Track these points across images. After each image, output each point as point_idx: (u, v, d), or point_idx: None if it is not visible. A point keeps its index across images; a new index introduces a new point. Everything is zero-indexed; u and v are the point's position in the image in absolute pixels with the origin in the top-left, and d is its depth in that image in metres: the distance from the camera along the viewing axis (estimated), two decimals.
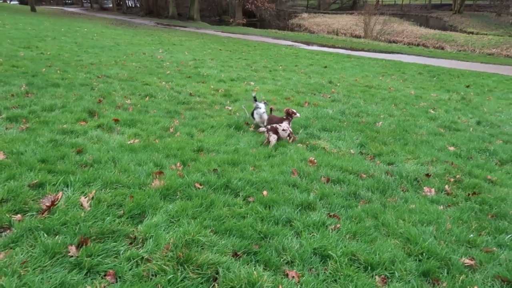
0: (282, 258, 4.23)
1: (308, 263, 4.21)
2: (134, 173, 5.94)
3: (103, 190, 5.32)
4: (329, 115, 10.65)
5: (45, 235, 4.18)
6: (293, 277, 3.95)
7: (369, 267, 4.19)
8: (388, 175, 6.79)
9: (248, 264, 4.05)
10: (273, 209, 5.22)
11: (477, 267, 4.38)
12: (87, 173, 5.74)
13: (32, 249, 3.98)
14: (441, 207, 5.84)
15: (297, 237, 4.64)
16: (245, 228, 4.66)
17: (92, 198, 5.02)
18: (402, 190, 6.34)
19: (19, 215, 4.53)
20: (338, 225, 5.00)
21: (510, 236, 5.00)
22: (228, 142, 8.10)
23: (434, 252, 4.47)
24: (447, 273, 4.22)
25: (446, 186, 6.53)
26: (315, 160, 7.16)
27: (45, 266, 3.74)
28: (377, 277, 4.07)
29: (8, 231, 4.27)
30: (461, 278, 4.11)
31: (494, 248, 4.76)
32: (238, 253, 4.24)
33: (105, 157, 6.47)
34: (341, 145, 8.42)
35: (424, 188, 6.43)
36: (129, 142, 7.45)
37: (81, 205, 4.85)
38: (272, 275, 3.93)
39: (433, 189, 6.38)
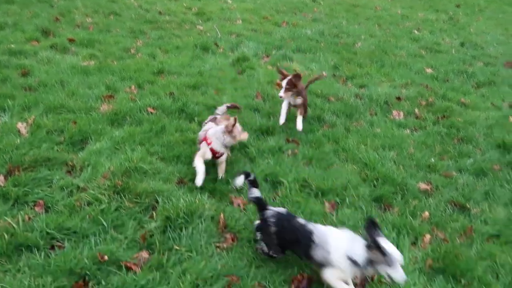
0: (229, 185, 4.01)
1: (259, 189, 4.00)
2: (82, 97, 5.49)
3: (45, 115, 4.91)
4: (306, 36, 9.97)
5: None
6: (238, 204, 3.77)
7: (320, 193, 4.01)
8: (357, 98, 6.44)
9: (192, 192, 3.83)
10: None
11: (432, 192, 4.25)
12: (28, 97, 5.27)
13: None
14: (408, 131, 5.61)
15: (250, 163, 4.40)
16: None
17: (32, 123, 4.63)
18: (370, 114, 6.05)
19: None
20: (296, 151, 4.75)
21: (472, 161, 4.84)
22: (192, 64, 7.54)
23: (390, 178, 4.30)
24: (401, 198, 4.09)
25: (416, 110, 6.24)
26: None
27: None
28: (327, 203, 3.91)
29: None
30: (414, 204, 3.98)
31: (454, 173, 4.61)
32: (184, 180, 4.00)
33: (53, 79, 5.94)
34: (314, 67, 7.94)
35: (393, 111, 6.14)
36: (83, 64, 6.86)
37: (19, 131, 4.48)
38: (216, 203, 3.73)
39: (402, 113, 6.10)
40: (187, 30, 9.85)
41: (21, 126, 4.56)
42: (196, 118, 5.26)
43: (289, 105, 5.24)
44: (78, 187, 3.72)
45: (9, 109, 4.93)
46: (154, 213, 3.48)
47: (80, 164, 4.04)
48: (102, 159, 4.14)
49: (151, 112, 5.27)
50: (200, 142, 4.07)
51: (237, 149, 4.69)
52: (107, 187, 3.70)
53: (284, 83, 4.96)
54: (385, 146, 5.03)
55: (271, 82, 6.83)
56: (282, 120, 5.12)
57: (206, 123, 4.35)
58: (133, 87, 6.08)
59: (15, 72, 6.08)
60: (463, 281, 3.11)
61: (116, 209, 3.46)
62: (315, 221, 3.55)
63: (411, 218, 3.78)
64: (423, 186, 4.29)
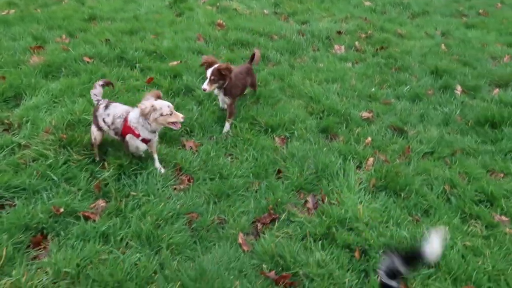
0: (181, 129, 3.98)
1: (209, 131, 4.04)
2: (7, 50, 5.03)
3: None
4: None
5: None
6: (190, 147, 3.79)
7: (270, 130, 4.12)
8: (300, 34, 6.45)
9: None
10: (173, 80, 4.79)
11: (374, 119, 4.51)
12: None
13: None
14: (349, 64, 5.78)
15: (197, 107, 4.37)
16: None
17: None
18: (313, 50, 6.12)
19: None
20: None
21: (408, 88, 5.14)
22: (126, 8, 7.09)
23: (334, 109, 4.48)
24: (346, 127, 4.31)
25: (357, 43, 6.41)
26: (224, 23, 6.56)
27: None
28: (276, 138, 4.04)
29: None
30: (357, 131, 4.22)
31: (392, 100, 4.90)
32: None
33: None
34: (254, 5, 7.76)
35: (335, 46, 6.26)
36: (1, 14, 6.21)
37: None
38: (168, 147, 3.72)
39: (343, 47, 6.24)
40: None
41: None
42: (137, 65, 5.05)
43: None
44: (20, 144, 3.53)
45: None
46: (106, 163, 3.41)
47: (18, 121, 3.81)
48: (41, 114, 3.92)
49: (88, 62, 4.97)
50: (122, 134, 3.28)
51: (183, 92, 4.62)
52: (51, 142, 3.55)
53: (208, 72, 3.82)
54: (328, 80, 5.18)
55: (212, 23, 6.63)
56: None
57: (98, 106, 3.37)
58: (63, 36, 5.66)
59: None
60: (402, 195, 3.43)
61: (64, 163, 3.35)
62: (267, 156, 3.70)
63: (355, 144, 4.02)
64: (365, 114, 4.53)
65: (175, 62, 5.15)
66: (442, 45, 6.50)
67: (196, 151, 3.75)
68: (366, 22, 7.28)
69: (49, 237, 2.76)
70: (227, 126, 4.05)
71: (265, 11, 7.59)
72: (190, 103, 4.41)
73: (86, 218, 2.90)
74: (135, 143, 3.29)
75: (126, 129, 3.26)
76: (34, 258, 2.63)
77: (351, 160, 3.76)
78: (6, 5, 6.57)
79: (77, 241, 2.72)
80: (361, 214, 3.10)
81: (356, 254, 2.84)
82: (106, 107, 3.36)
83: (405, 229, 3.07)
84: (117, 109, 3.34)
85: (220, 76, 3.83)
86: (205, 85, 3.80)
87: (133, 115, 3.23)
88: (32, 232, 2.75)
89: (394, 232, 3.00)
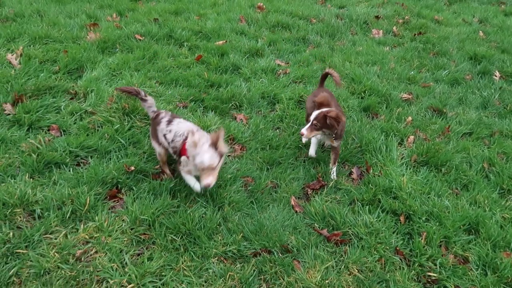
0: (231, 103, 4.25)
1: (256, 107, 4.28)
2: (65, 27, 5.37)
3: (31, 46, 4.83)
4: None
5: None
6: (241, 119, 4.05)
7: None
8: (338, 18, 6.59)
9: (196, 111, 4.06)
10: (221, 58, 5.05)
11: (413, 100, 4.67)
12: (9, 28, 5.10)
13: None
14: (387, 48, 5.91)
15: (245, 83, 4.62)
16: (191, 78, 4.53)
17: (21, 54, 4.57)
18: (351, 33, 6.27)
19: None
20: (288, 70, 4.99)
21: (447, 72, 5.26)
22: None
23: (375, 90, 4.66)
24: (386, 107, 4.48)
25: (394, 28, 6.51)
26: (264, 6, 6.75)
27: None
28: None
29: None
30: (398, 111, 4.39)
31: (431, 83, 5.03)
32: (185, 102, 4.20)
33: (29, 10, 5.72)
34: None
35: (373, 30, 6.38)
36: None
37: (10, 62, 4.43)
38: (220, 120, 3.99)
39: (381, 31, 6.35)
40: None
41: (11, 58, 4.49)
42: (186, 43, 5.32)
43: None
44: (86, 111, 3.86)
45: None
46: None
47: (83, 91, 4.13)
48: (102, 85, 4.23)
49: (139, 39, 5.26)
50: (180, 154, 2.95)
51: (230, 70, 4.86)
52: (115, 110, 3.86)
53: (313, 116, 3.20)
54: (368, 63, 5.34)
55: (252, 6, 6.83)
56: (312, 152, 3.55)
57: (160, 120, 3.09)
58: (114, 15, 5.96)
59: None
60: (443, 170, 3.62)
61: (129, 129, 3.66)
62: None
63: (396, 123, 4.21)
64: (405, 96, 4.69)
65: (221, 42, 5.39)
66: (480, 32, 6.54)
67: (246, 123, 4.01)
68: (403, 8, 7.35)
69: (123, 191, 3.07)
70: (334, 172, 3.42)
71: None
72: (238, 79, 4.65)
73: (154, 177, 3.20)
74: (186, 168, 2.91)
75: (184, 151, 2.88)
76: (111, 208, 2.95)
77: (393, 137, 3.95)
78: None
79: (148, 195, 3.02)
80: (404, 184, 3.31)
81: (401, 218, 3.06)
82: (169, 122, 3.07)
83: (446, 200, 3.27)
84: (181, 126, 3.02)
85: (325, 124, 3.13)
86: (304, 130, 3.17)
87: (191, 139, 2.72)
88: (108, 186, 3.07)
89: (436, 202, 3.20)
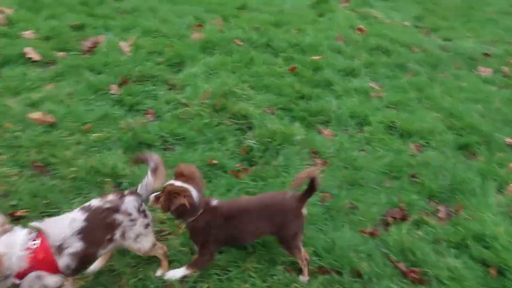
0: (318, 117, 4.19)
1: (344, 125, 4.17)
2: (173, 24, 5.75)
3: (142, 37, 5.23)
4: None
5: (89, 72, 4.27)
6: (326, 135, 3.96)
7: (406, 135, 4.11)
8: (442, 50, 6.25)
9: (282, 119, 4.06)
10: (314, 72, 5.03)
11: None
12: (126, 19, 5.60)
13: (77, 84, 4.11)
14: (495, 88, 5.45)
15: (336, 100, 4.53)
16: (283, 87, 4.56)
17: (132, 44, 4.97)
18: (455, 67, 5.89)
19: (62, 53, 4.60)
20: (381, 94, 4.82)
21: None
22: (272, 2, 7.55)
23: (476, 128, 4.30)
24: (486, 149, 4.10)
25: (504, 68, 5.99)
26: (365, 28, 6.63)
27: (90, 99, 3.90)
28: (411, 144, 4.01)
29: (53, 66, 4.39)
30: (499, 155, 3.99)
31: None
32: (274, 108, 4.23)
33: (144, 5, 6.23)
34: (395, 16, 7.69)
35: (480, 67, 5.94)
36: None
37: (121, 49, 4.83)
38: (305, 131, 3.94)
39: (489, 69, 5.89)
40: None
41: (124, 45, 4.91)
42: (281, 54, 5.40)
43: None
44: (181, 102, 4.05)
45: (111, 29, 5.29)
46: (251, 133, 3.75)
47: (181, 84, 4.36)
48: (199, 81, 4.43)
49: (239, 44, 5.44)
50: None
51: (322, 85, 4.81)
52: (207, 105, 4.01)
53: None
54: (470, 100, 4.96)
55: (352, 27, 6.74)
56: None
57: None
58: (219, 19, 6.25)
59: None
60: None
61: (217, 125, 3.77)
62: (401, 158, 3.71)
63: (496, 167, 3.82)
64: (509, 140, 4.26)
65: (316, 57, 5.38)
66: None
67: (332, 139, 3.91)
68: None
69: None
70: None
71: (405, 23, 7.47)
72: (329, 95, 4.59)
73: (233, 175, 3.24)
74: None
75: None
76: None
77: (491, 182, 3.59)
78: None
79: (224, 190, 3.06)
80: (500, 235, 2.96)
81: (492, 271, 2.73)
82: None
83: None
84: None
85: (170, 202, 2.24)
86: (153, 196, 2.34)
87: None
88: None
89: None
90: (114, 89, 4.06)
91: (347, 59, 5.54)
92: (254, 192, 3.06)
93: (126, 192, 2.28)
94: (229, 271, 2.49)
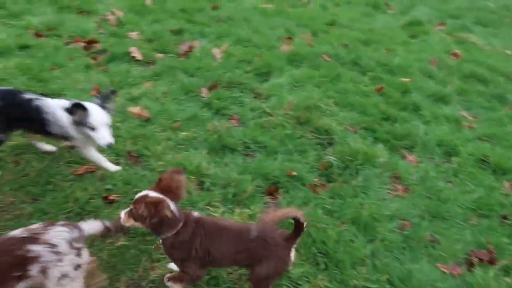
0: (403, 141, 4.03)
1: (430, 152, 3.96)
2: (264, 35, 5.92)
3: (234, 45, 5.46)
4: (488, 8, 8.98)
5: (183, 74, 4.55)
6: (411, 161, 3.79)
7: (500, 171, 3.80)
8: None
9: (365, 139, 3.97)
10: (402, 95, 4.86)
11: None
12: (221, 27, 5.89)
13: (172, 84, 4.40)
14: None
15: (423, 126, 4.33)
16: (368, 106, 4.47)
17: (224, 51, 5.21)
18: None
19: (161, 54, 4.96)
20: (474, 125, 4.51)
21: None
22: (363, 20, 7.46)
23: None
24: None
25: None
26: (460, 54, 6.27)
27: (181, 99, 4.15)
28: (506, 182, 3.69)
29: (152, 66, 4.75)
30: None
31: None
32: (357, 127, 4.15)
33: (239, 16, 6.50)
34: (496, 43, 7.18)
35: None
36: (262, 6, 7.31)
37: (213, 55, 5.09)
38: (388, 154, 3.81)
39: None
40: None
41: (216, 52, 5.16)
42: (369, 73, 5.30)
43: None
44: (265, 111, 4.15)
45: (206, 35, 5.59)
46: (332, 149, 3.72)
47: (266, 93, 4.46)
48: (284, 92, 4.50)
49: (326, 60, 5.45)
50: None
51: (410, 109, 4.63)
52: (290, 116, 4.05)
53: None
54: None
55: (446, 51, 6.42)
56: None
57: None
58: (308, 34, 6.31)
59: (208, 5, 6.79)
60: None
61: (299, 137, 3.79)
62: (493, 196, 3.44)
63: None
64: None
65: (405, 79, 5.20)
66: None
67: (416, 166, 3.74)
68: None
69: (280, 191, 3.18)
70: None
71: (507, 51, 6.94)
72: (416, 120, 4.40)
73: (310, 188, 3.23)
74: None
75: None
76: (266, 202, 3.08)
77: None
78: (266, 0, 7.70)
79: (299, 202, 3.06)
80: None
81: None
82: None
83: None
84: None
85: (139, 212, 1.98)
86: (123, 213, 2.09)
87: None
88: (269, 182, 3.21)
89: None
90: (204, 92, 4.28)
91: (438, 84, 5.28)
92: (331, 210, 3.03)
93: (60, 222, 1.90)
94: (299, 284, 2.48)
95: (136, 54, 4.77)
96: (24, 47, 4.58)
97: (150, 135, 3.51)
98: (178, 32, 5.57)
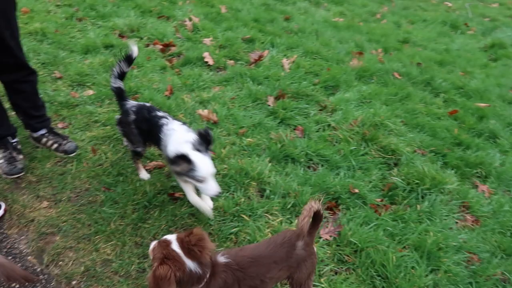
0: (475, 170, 3.79)
1: (506, 185, 3.68)
2: (334, 49, 5.88)
3: (303, 57, 5.48)
4: None
5: (251, 82, 4.64)
6: (483, 191, 3.55)
7: None
8: None
9: (434, 163, 3.78)
10: (478, 121, 4.58)
11: None
12: (291, 38, 5.94)
13: (239, 90, 4.50)
14: None
15: (500, 156, 4.04)
16: (439, 129, 4.26)
17: (293, 62, 5.24)
18: None
19: (232, 61, 5.11)
20: None
21: None
22: (439, 40, 7.16)
23: None
24: None
25: None
26: None
27: (248, 106, 4.24)
28: None
29: (223, 71, 4.90)
30: None
31: None
32: (426, 150, 3.97)
33: (309, 28, 6.53)
34: None
35: None
36: (333, 19, 7.29)
37: (282, 65, 5.14)
38: (458, 181, 3.59)
39: None
40: (434, 5, 9.37)
41: (285, 62, 5.20)
42: (442, 95, 5.06)
43: None
44: (330, 125, 4.11)
45: (276, 45, 5.67)
46: (397, 170, 3.58)
47: (332, 106, 4.42)
48: (350, 107, 4.43)
49: (397, 78, 5.28)
50: None
51: (485, 136, 4.35)
52: (355, 132, 3.97)
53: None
54: None
55: None
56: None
57: None
58: (379, 50, 6.17)
59: (280, 16, 6.89)
60: None
61: (363, 154, 3.70)
62: None
63: None
64: None
65: (482, 104, 4.89)
66: None
67: (489, 197, 3.49)
68: None
69: (340, 207, 3.12)
70: None
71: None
72: (492, 149, 4.11)
73: (371, 208, 3.13)
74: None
75: None
76: (325, 217, 3.03)
77: None
78: (338, 13, 7.67)
79: (360, 221, 2.97)
80: None
81: None
82: None
83: None
84: None
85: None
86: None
87: None
88: (329, 197, 3.17)
89: None
90: (270, 101, 4.33)
91: None
92: (393, 232, 2.91)
93: None
94: None
95: (208, 59, 4.96)
96: (108, 46, 4.94)
97: (215, 139, 3.61)
98: (249, 41, 5.70)
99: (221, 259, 1.98)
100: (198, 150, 2.47)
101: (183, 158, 2.38)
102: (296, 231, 2.07)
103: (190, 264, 1.80)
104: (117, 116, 3.12)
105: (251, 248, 2.15)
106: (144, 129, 2.82)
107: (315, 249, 2.18)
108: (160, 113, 2.80)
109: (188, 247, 1.80)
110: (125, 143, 3.19)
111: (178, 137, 2.57)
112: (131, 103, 2.96)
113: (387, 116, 4.31)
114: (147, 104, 2.95)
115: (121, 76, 2.95)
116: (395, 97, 4.80)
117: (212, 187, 2.50)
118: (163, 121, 2.71)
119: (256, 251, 2.07)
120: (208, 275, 1.86)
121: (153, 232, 2.72)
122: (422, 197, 3.31)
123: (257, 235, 2.75)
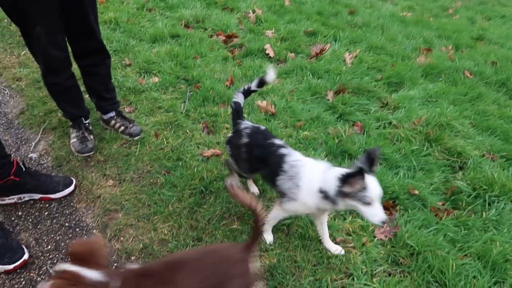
0: None
1: None
2: (400, 44, 5.65)
3: (366, 52, 5.32)
4: None
5: (311, 75, 4.59)
6: None
7: None
8: None
9: (505, 170, 3.51)
10: None
11: None
12: (355, 33, 5.79)
13: (299, 83, 4.47)
14: None
15: None
16: None
17: (355, 56, 5.11)
18: None
19: (292, 54, 5.08)
20: None
21: None
22: None
23: None
24: None
25: None
26: None
27: (306, 100, 4.20)
28: None
29: (283, 64, 4.89)
30: None
31: None
32: (496, 155, 3.70)
33: (375, 22, 6.32)
34: None
35: None
36: (401, 14, 6.99)
37: (344, 60, 5.02)
38: None
39: None
40: None
41: (347, 56, 5.08)
42: None
43: None
44: (391, 123, 3.96)
45: (339, 39, 5.55)
46: (462, 174, 3.38)
47: (394, 104, 4.25)
48: (414, 106, 4.23)
49: (468, 77, 4.96)
50: None
51: None
52: (418, 132, 3.80)
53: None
54: None
55: None
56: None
57: None
58: (450, 47, 5.83)
59: (344, 9, 6.73)
60: None
61: (425, 155, 3.53)
62: None
63: None
64: None
65: None
66: None
67: None
68: None
69: (398, 207, 3.00)
70: None
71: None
72: None
73: (432, 212, 2.98)
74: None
75: None
76: None
77: None
78: (406, 8, 7.34)
79: (418, 224, 2.84)
80: None
81: None
82: None
83: None
84: None
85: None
86: None
87: None
88: (386, 196, 3.06)
89: None
90: (330, 95, 4.26)
91: None
92: (454, 239, 2.76)
93: None
94: None
95: (270, 51, 4.97)
96: (174, 36, 5.13)
97: (272, 130, 3.63)
98: (311, 34, 5.64)
99: (133, 267, 1.84)
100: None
101: (356, 176, 2.08)
102: (238, 244, 1.94)
103: (91, 274, 1.61)
104: (229, 134, 2.83)
105: (178, 256, 2.06)
106: (256, 156, 2.54)
107: (250, 268, 1.85)
108: (278, 141, 2.49)
109: (83, 259, 1.63)
110: (231, 163, 2.82)
111: (318, 170, 2.28)
112: (246, 123, 2.65)
113: (455, 116, 4.07)
114: (262, 127, 2.62)
115: (246, 93, 2.72)
116: (464, 97, 4.52)
117: (378, 212, 2.15)
118: (284, 150, 2.42)
119: (182, 259, 1.86)
120: (113, 282, 1.66)
121: (207, 216, 2.80)
122: (489, 204, 3.09)
123: (309, 229, 2.73)
